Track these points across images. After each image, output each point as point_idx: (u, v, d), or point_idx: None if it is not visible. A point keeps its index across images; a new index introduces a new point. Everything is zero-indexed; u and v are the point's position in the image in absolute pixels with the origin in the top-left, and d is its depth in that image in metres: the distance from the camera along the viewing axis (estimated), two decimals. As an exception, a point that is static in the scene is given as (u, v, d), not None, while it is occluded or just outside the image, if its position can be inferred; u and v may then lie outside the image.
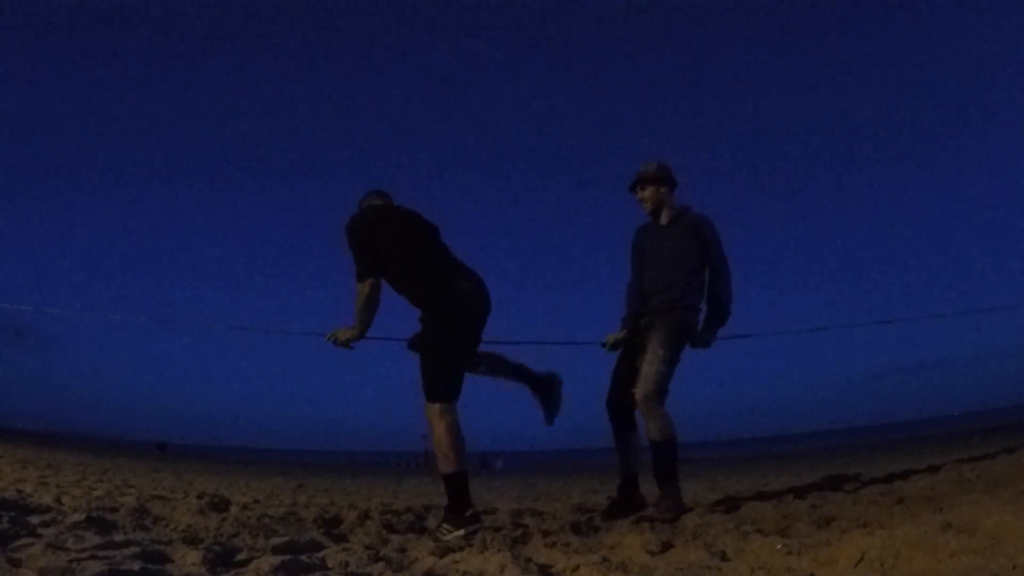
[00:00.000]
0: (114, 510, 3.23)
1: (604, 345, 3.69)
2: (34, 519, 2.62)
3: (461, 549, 2.35)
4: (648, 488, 3.60)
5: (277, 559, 1.95)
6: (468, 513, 2.98)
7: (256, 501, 4.94)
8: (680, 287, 3.49)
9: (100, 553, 1.97)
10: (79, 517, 2.67)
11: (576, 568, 1.90)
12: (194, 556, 2.02)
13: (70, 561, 1.79)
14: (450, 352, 3.13)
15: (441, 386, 3.08)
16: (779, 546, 1.94)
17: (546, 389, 3.39)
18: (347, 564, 2.04)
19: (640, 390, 3.31)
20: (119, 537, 2.31)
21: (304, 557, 2.03)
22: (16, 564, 1.78)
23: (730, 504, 3.91)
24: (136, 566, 1.79)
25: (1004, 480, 3.31)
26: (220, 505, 3.97)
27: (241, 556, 2.16)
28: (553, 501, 5.35)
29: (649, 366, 3.34)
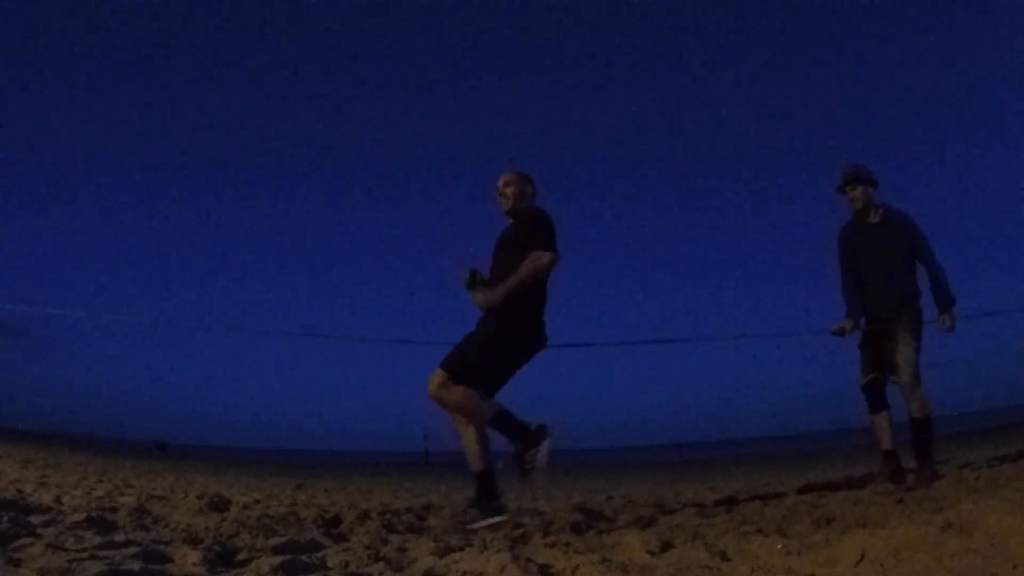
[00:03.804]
0: (114, 510, 3.23)
1: (836, 332, 4.08)
2: (34, 519, 2.62)
3: (461, 549, 2.35)
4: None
5: (277, 559, 1.95)
6: (495, 503, 3.13)
7: (256, 501, 4.94)
8: (908, 282, 3.97)
9: (100, 553, 1.97)
10: (79, 517, 2.67)
11: (576, 568, 1.90)
12: (194, 556, 2.02)
13: (70, 561, 1.79)
14: (506, 361, 3.23)
15: (482, 383, 3.15)
16: (779, 546, 1.94)
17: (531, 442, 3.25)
18: (347, 564, 2.04)
19: (903, 378, 3.87)
20: (119, 537, 2.31)
21: (304, 557, 2.03)
22: (16, 564, 1.78)
23: (730, 504, 3.92)
24: (136, 566, 1.79)
25: (1004, 480, 3.31)
26: (220, 505, 3.97)
27: (241, 556, 2.16)
28: (553, 501, 5.35)
29: (905, 356, 3.87)
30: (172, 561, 2.01)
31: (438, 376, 3.14)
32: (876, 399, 4.03)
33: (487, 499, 3.15)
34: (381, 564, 2.05)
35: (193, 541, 2.39)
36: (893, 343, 3.93)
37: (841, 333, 4.10)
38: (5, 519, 2.37)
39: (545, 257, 3.18)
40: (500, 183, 3.43)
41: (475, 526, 2.95)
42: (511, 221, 3.45)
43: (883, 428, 4.01)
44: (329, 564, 2.03)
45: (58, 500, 3.70)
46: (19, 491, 4.10)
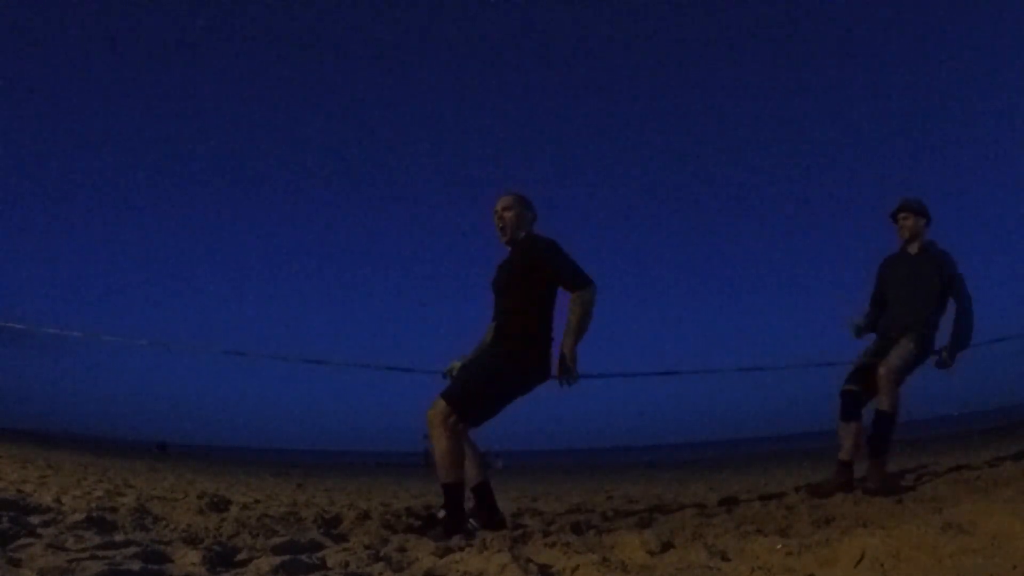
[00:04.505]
0: (114, 510, 3.23)
1: (848, 325, 4.20)
2: (34, 519, 2.62)
3: (461, 549, 2.35)
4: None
5: (277, 559, 1.95)
6: (465, 526, 3.04)
7: (256, 501, 4.94)
8: (927, 310, 4.05)
9: (100, 553, 1.97)
10: (79, 517, 2.67)
11: (576, 568, 1.90)
12: (194, 556, 2.02)
13: (70, 561, 1.79)
14: (506, 392, 3.14)
15: (477, 407, 3.09)
16: (779, 546, 1.94)
17: (487, 517, 3.25)
18: (347, 564, 2.04)
19: (884, 366, 3.88)
20: (119, 537, 2.31)
21: (304, 557, 2.03)
22: (16, 564, 1.78)
23: (730, 504, 3.92)
24: (136, 566, 1.78)
25: (1004, 480, 3.32)
26: (220, 505, 3.97)
27: (241, 556, 2.16)
28: (553, 501, 5.36)
29: (897, 353, 3.92)
30: (172, 561, 2.01)
31: (439, 407, 3.05)
32: (849, 408, 4.04)
33: (454, 518, 3.03)
34: (381, 564, 2.05)
35: (193, 541, 2.39)
36: (894, 345, 3.98)
37: (854, 330, 4.18)
38: (5, 519, 2.37)
39: (590, 293, 3.13)
40: (499, 207, 3.31)
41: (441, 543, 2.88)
42: (511, 248, 3.31)
43: (846, 438, 4.02)
44: (329, 564, 2.03)
45: (58, 500, 3.70)
46: (19, 491, 4.10)
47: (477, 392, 3.09)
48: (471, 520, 3.17)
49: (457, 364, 3.34)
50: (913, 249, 4.18)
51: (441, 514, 3.10)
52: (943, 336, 4.08)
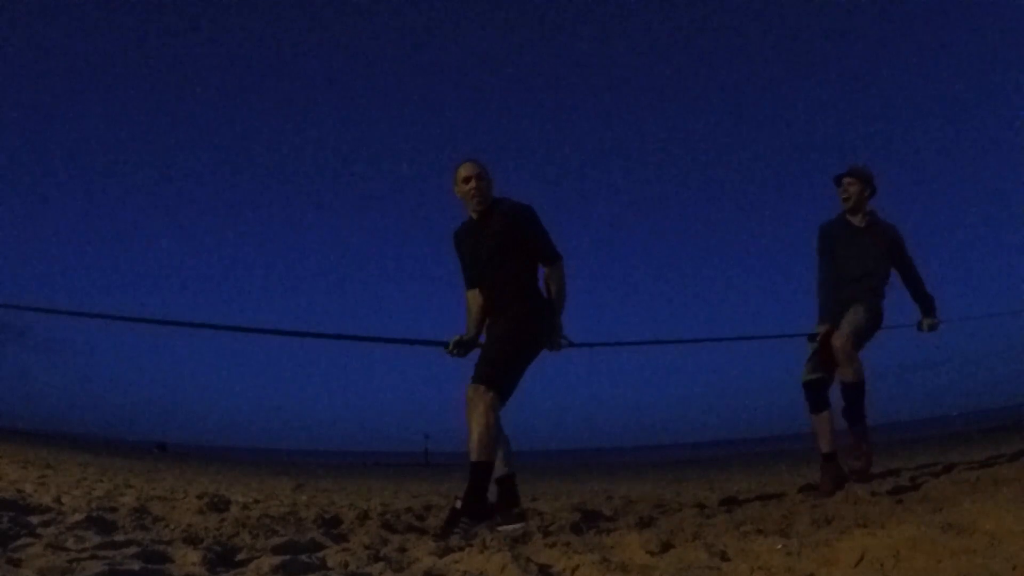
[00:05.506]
0: (114, 510, 3.23)
1: (813, 337, 3.94)
2: (34, 519, 2.62)
3: (461, 549, 2.35)
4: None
5: (277, 559, 1.95)
6: (487, 507, 3.06)
7: (256, 501, 4.94)
8: (877, 280, 3.99)
9: (100, 553, 1.98)
10: (79, 517, 2.68)
11: (576, 568, 1.90)
12: (194, 556, 2.02)
13: (70, 561, 1.79)
14: (528, 356, 3.20)
15: (510, 381, 3.12)
16: (779, 546, 1.94)
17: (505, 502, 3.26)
18: (347, 564, 2.04)
19: (839, 337, 3.77)
20: (119, 537, 2.31)
21: (304, 557, 2.03)
22: (16, 564, 1.78)
23: (730, 504, 3.92)
24: (136, 566, 1.79)
25: (1004, 480, 3.31)
26: (220, 505, 3.97)
27: (241, 556, 2.16)
28: (553, 501, 5.36)
29: (849, 321, 3.82)
30: (172, 561, 2.01)
31: (476, 387, 3.05)
32: (817, 398, 3.93)
33: (477, 501, 3.01)
34: (381, 564, 2.05)
35: (193, 541, 2.39)
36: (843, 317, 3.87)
37: (820, 337, 3.93)
38: (5, 519, 2.37)
39: (562, 267, 3.30)
40: (470, 173, 3.27)
41: (474, 529, 2.87)
42: (484, 215, 3.30)
43: (824, 430, 3.91)
44: (329, 564, 2.03)
45: (58, 500, 3.71)
46: (19, 491, 4.10)
47: (506, 363, 3.12)
48: (497, 516, 3.14)
49: (454, 341, 3.37)
50: (858, 221, 4.02)
51: (458, 504, 3.04)
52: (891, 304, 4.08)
